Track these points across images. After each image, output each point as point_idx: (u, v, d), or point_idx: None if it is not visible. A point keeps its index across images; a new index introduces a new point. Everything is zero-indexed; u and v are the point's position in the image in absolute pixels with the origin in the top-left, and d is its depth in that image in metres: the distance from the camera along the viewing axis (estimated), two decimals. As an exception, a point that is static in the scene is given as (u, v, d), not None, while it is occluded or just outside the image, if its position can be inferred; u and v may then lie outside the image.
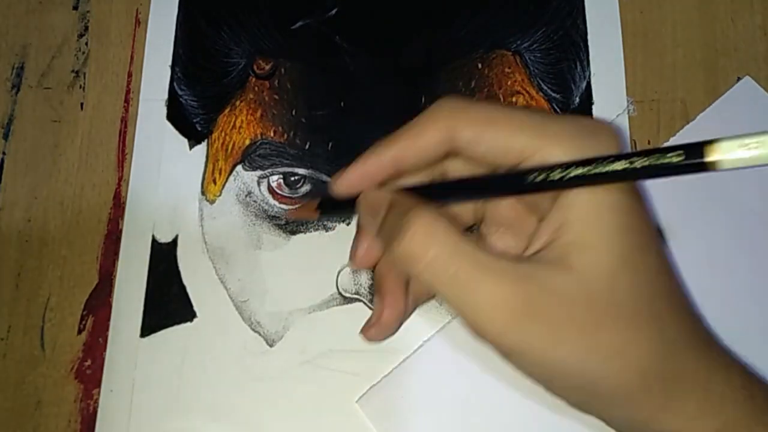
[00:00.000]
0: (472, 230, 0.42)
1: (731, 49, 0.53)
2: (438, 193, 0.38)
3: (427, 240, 0.33)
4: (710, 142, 0.28)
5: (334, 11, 0.55)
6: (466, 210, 0.41)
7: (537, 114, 0.35)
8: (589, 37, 0.53)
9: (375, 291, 0.41)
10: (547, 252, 0.34)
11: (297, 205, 0.47)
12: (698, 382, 0.34)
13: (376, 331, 0.40)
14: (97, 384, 0.48)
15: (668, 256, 0.36)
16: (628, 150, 0.33)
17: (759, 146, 0.27)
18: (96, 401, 0.47)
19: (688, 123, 0.51)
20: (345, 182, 0.39)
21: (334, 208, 0.43)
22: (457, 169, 0.39)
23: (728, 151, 0.28)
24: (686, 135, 0.50)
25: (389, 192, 0.38)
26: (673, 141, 0.50)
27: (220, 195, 0.51)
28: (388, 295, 0.40)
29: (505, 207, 0.39)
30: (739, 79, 0.52)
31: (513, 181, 0.35)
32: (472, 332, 0.34)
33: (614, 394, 0.34)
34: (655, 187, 0.38)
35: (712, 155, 0.28)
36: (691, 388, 0.34)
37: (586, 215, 0.33)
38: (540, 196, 0.35)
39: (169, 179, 0.52)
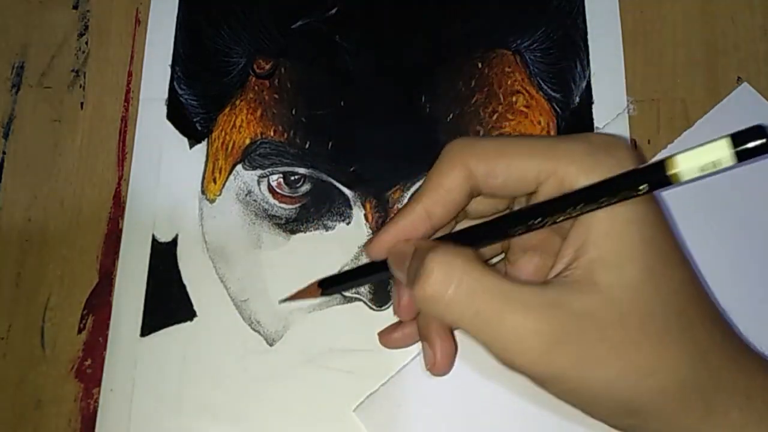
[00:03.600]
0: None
1: (731, 49, 0.53)
2: (459, 240, 0.39)
3: (445, 280, 0.33)
4: (669, 158, 0.31)
5: (334, 10, 0.55)
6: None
7: (546, 137, 0.36)
8: (589, 36, 0.53)
9: (421, 337, 0.41)
10: (571, 272, 0.33)
11: (296, 291, 0.45)
12: (738, 390, 0.33)
13: (436, 372, 0.40)
14: (98, 383, 0.48)
15: (692, 265, 0.35)
16: (644, 162, 0.34)
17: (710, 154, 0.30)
18: (96, 400, 0.47)
19: (688, 122, 0.51)
20: (378, 246, 0.39)
21: (336, 284, 0.44)
22: (478, 210, 0.39)
23: (685, 163, 0.31)
24: (684, 141, 0.50)
25: (413, 242, 0.38)
26: (671, 147, 0.50)
27: (220, 194, 0.51)
28: (437, 342, 0.40)
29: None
30: (739, 79, 0.52)
31: (518, 222, 0.36)
32: (502, 364, 0.34)
33: (653, 410, 0.33)
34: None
35: (672, 170, 0.31)
36: (732, 396, 0.33)
37: (606, 231, 0.33)
38: None
39: (169, 178, 0.52)
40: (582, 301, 0.32)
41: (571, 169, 0.34)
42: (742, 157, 0.30)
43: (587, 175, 0.34)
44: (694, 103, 0.52)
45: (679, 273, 0.34)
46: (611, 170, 0.33)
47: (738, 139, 0.30)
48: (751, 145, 0.30)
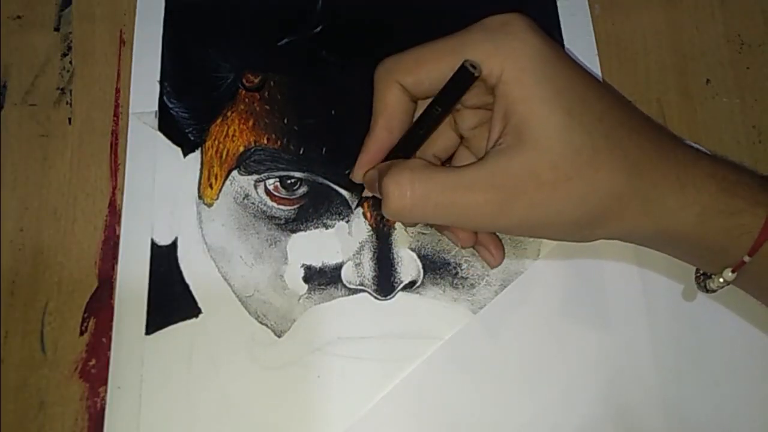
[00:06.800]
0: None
1: (698, 54, 0.57)
2: (409, 143, 0.44)
3: (400, 193, 0.39)
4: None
5: (318, 29, 0.56)
6: (449, 138, 0.47)
7: (454, 36, 0.41)
8: (566, 48, 0.56)
9: (477, 247, 0.47)
10: (503, 139, 0.38)
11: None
12: (671, 182, 0.38)
13: (498, 262, 0.47)
14: (103, 382, 0.47)
15: (610, 88, 0.41)
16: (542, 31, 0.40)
17: None
18: (103, 399, 0.47)
19: (664, 120, 0.55)
20: (358, 172, 0.45)
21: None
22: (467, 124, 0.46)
23: None
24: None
25: (377, 166, 0.44)
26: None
27: (217, 198, 0.52)
28: (489, 241, 0.47)
29: (469, 118, 0.45)
30: (708, 81, 0.55)
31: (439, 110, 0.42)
32: (475, 230, 0.44)
33: (597, 222, 0.39)
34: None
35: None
36: (668, 188, 0.38)
37: (520, 97, 0.38)
38: (483, 94, 0.41)
39: (164, 185, 0.52)
40: (516, 161, 0.38)
41: (477, 58, 0.39)
42: None
43: (490, 58, 0.39)
44: (669, 102, 0.55)
45: (598, 103, 0.39)
46: (510, 45, 0.39)
47: None
48: None
